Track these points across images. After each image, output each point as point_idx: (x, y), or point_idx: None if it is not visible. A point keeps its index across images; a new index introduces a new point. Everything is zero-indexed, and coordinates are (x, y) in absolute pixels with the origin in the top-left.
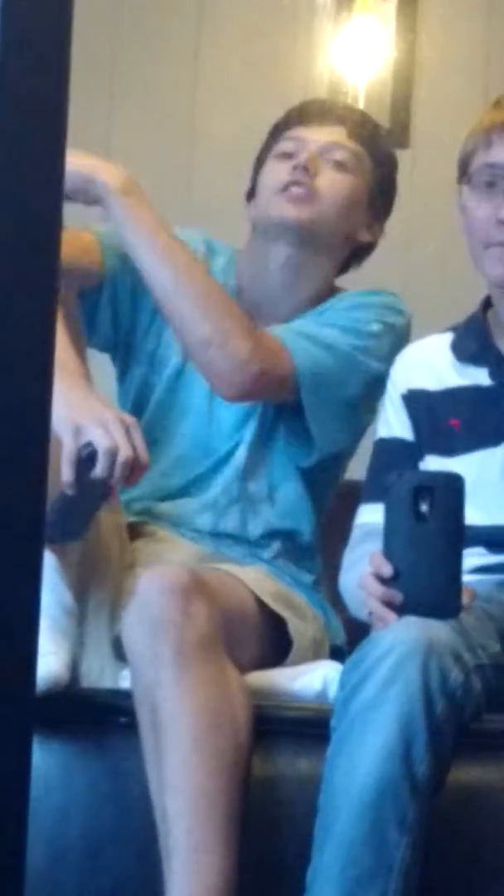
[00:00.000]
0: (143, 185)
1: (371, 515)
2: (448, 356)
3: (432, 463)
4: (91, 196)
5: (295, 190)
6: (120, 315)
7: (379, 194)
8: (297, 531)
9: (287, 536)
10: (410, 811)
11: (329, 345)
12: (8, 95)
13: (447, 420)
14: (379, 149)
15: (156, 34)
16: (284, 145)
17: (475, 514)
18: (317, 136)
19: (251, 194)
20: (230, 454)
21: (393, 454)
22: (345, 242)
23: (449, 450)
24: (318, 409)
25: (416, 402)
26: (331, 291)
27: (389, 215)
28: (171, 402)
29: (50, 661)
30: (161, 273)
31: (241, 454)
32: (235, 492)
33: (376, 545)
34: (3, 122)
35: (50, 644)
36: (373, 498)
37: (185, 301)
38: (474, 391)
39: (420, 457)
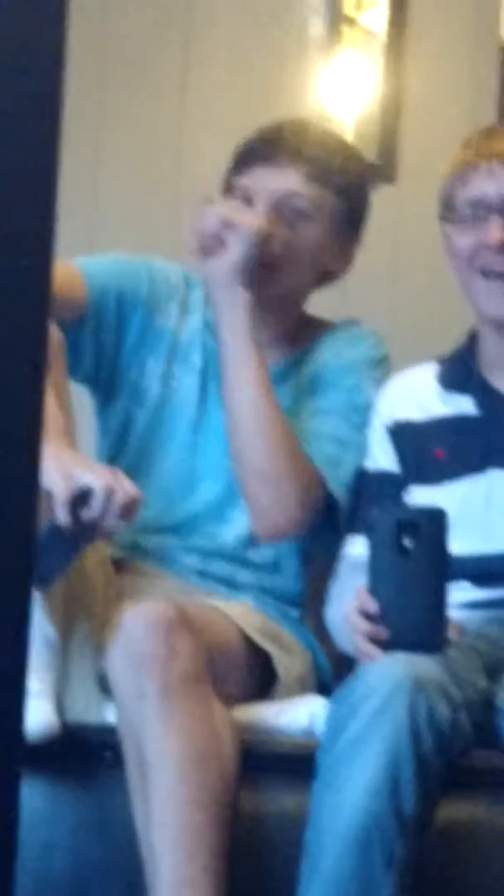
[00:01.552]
0: (131, 220)
1: (356, 547)
2: (433, 385)
3: (418, 493)
4: (213, 297)
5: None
6: (104, 347)
7: (346, 225)
8: (288, 582)
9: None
10: (398, 848)
11: (342, 439)
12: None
13: (432, 449)
14: (341, 184)
15: (143, 67)
16: (241, 190)
17: (461, 544)
18: (272, 184)
19: None
20: (225, 509)
21: (378, 486)
22: (315, 277)
23: (434, 479)
24: (337, 480)
25: (402, 433)
26: (302, 320)
27: (362, 236)
28: (154, 434)
29: (40, 708)
30: (245, 398)
31: (242, 526)
32: (235, 554)
33: (361, 579)
34: None
35: (35, 682)
36: (358, 529)
37: (256, 429)
38: (459, 420)
39: (405, 488)
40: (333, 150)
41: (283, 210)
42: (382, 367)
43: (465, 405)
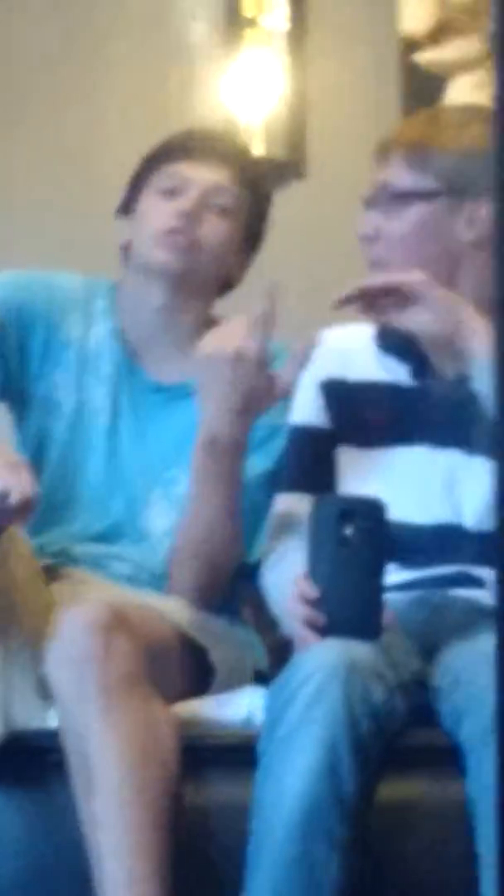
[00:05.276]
0: (42, 227)
1: (288, 503)
2: (370, 347)
3: (346, 453)
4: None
5: (179, 239)
6: (9, 363)
7: (252, 234)
8: None
9: None
10: (339, 830)
11: (255, 504)
12: None
13: (364, 412)
14: (258, 189)
15: (50, 75)
16: (167, 181)
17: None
18: (201, 176)
19: (124, 210)
20: (147, 513)
21: (310, 443)
22: (218, 282)
23: (364, 442)
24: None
25: (334, 391)
26: (208, 323)
27: (258, 251)
28: (72, 445)
29: None
30: (211, 516)
31: (162, 540)
32: (163, 559)
33: (295, 539)
34: None
35: None
36: (289, 487)
37: (209, 551)
38: (394, 388)
39: (334, 446)
40: (255, 162)
41: (209, 202)
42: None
43: (400, 373)
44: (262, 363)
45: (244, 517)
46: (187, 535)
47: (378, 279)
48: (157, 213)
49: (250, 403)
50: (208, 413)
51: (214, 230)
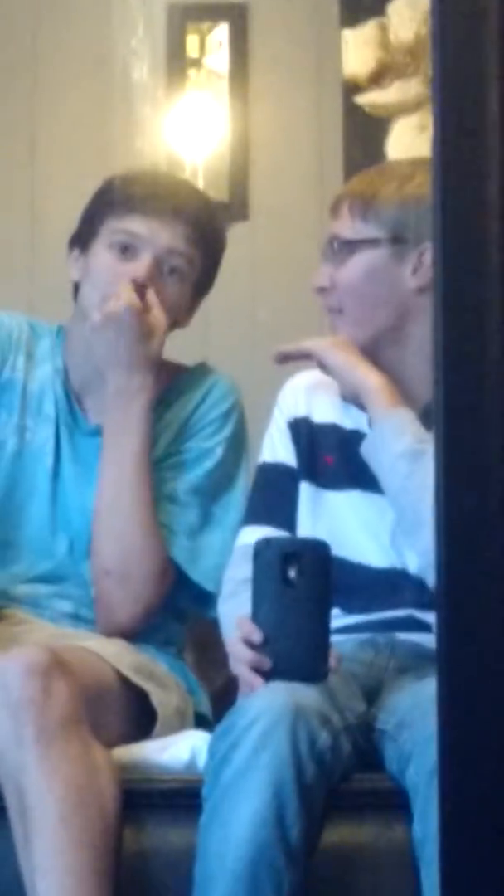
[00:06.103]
0: None
1: (252, 535)
2: (335, 390)
3: (305, 491)
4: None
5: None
6: None
7: (203, 285)
8: (165, 617)
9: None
10: (286, 875)
11: (194, 528)
12: None
13: (325, 453)
14: (212, 242)
15: None
16: (119, 236)
17: (338, 549)
18: (156, 237)
19: (75, 244)
20: (85, 565)
21: (276, 479)
22: (169, 330)
23: (322, 482)
24: (199, 571)
25: (299, 429)
26: (160, 367)
27: (208, 294)
28: (15, 485)
29: None
30: (110, 486)
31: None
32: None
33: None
34: None
35: None
36: (254, 520)
37: (113, 522)
38: (354, 434)
39: (299, 483)
40: (210, 214)
41: (162, 266)
42: (232, 418)
43: (361, 421)
44: (145, 311)
45: (185, 538)
46: (100, 504)
47: (291, 346)
48: (107, 272)
49: (150, 348)
50: (119, 367)
51: (165, 294)
